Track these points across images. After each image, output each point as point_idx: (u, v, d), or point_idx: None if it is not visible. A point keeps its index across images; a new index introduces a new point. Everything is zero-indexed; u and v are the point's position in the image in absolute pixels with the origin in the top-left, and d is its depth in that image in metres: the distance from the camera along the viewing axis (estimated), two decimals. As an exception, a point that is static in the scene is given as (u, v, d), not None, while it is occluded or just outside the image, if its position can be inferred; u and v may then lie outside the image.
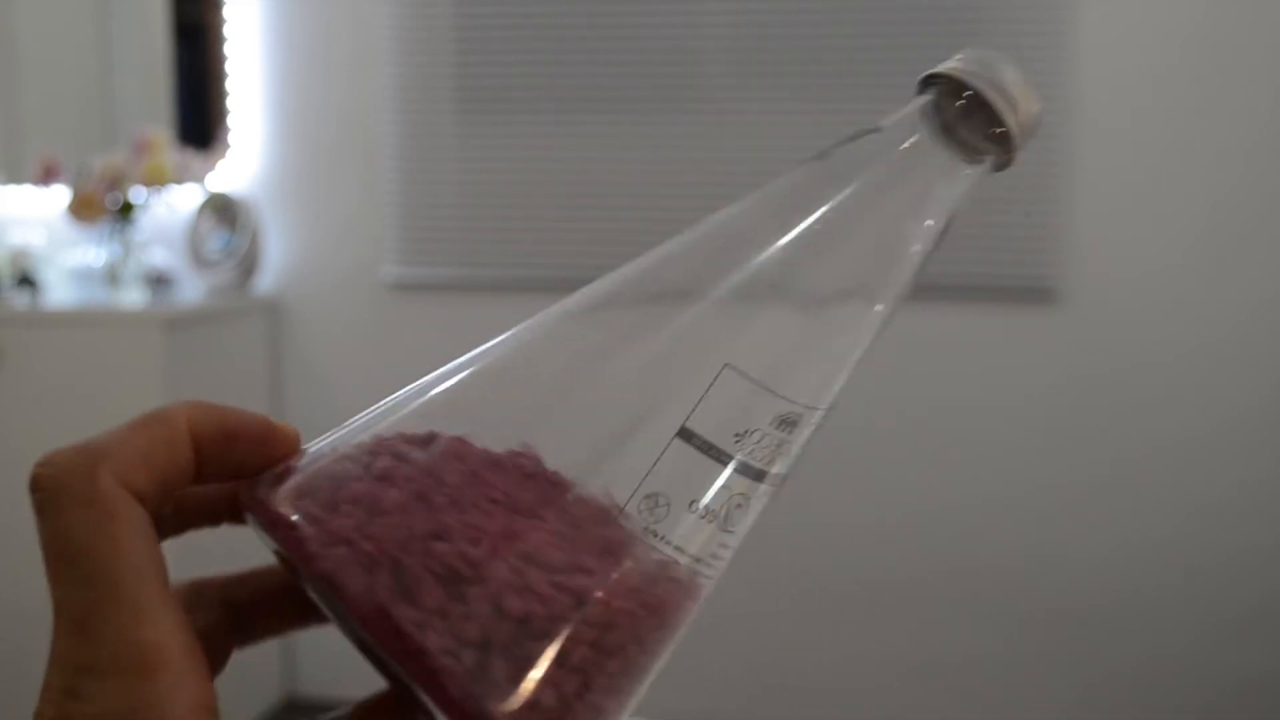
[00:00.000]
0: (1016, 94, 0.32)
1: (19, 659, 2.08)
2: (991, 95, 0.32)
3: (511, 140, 2.28)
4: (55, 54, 2.53)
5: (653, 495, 0.29)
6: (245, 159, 2.40)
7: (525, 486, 0.28)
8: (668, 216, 2.21)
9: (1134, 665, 2.14)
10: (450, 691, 0.25)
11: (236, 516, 0.31)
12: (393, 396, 0.32)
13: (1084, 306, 2.12)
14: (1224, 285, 2.08)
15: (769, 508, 0.32)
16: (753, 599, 2.26)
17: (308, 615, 0.32)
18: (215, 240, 2.35)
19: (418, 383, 0.32)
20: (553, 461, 0.28)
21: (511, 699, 0.25)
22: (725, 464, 0.31)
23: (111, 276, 2.30)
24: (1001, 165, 0.33)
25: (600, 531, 0.28)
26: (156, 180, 2.28)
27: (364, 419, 0.31)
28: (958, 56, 0.32)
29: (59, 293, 2.34)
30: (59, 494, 0.25)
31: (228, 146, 2.39)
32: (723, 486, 0.30)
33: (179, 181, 2.32)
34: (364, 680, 0.33)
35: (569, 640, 0.26)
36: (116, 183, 2.27)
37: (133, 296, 2.28)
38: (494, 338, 0.34)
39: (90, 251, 2.34)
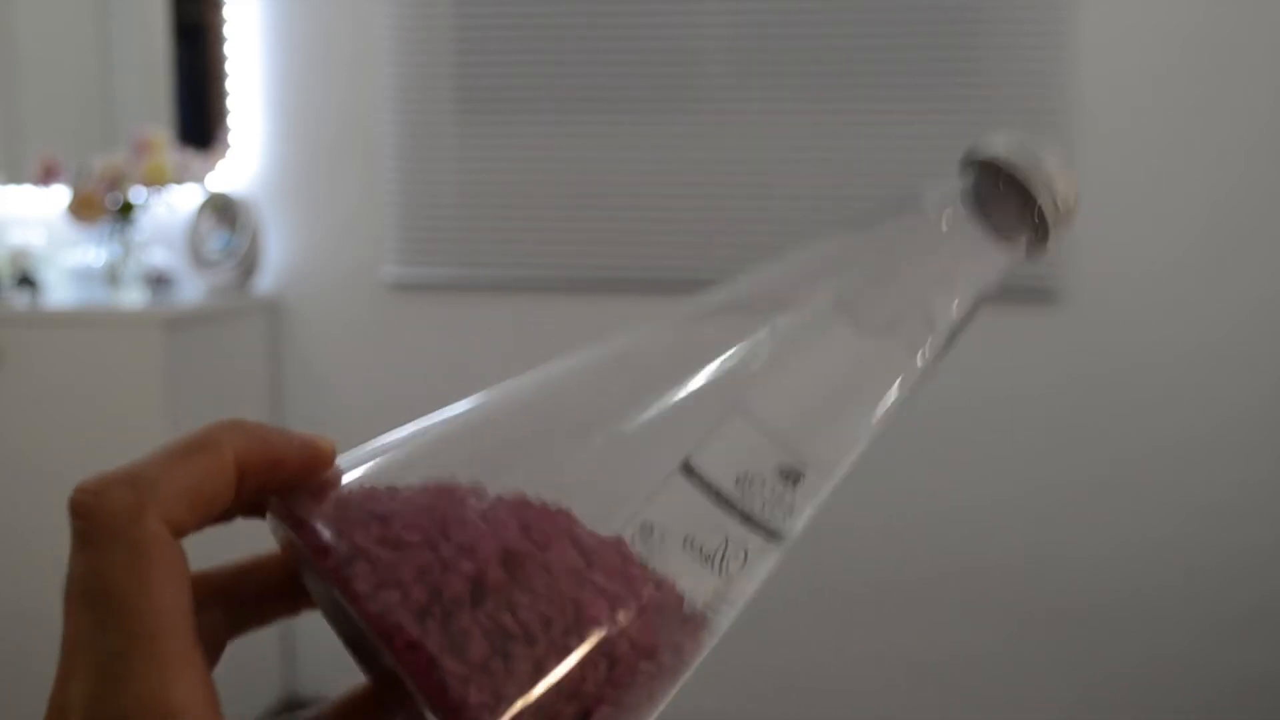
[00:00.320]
0: (1058, 182, 0.32)
1: (19, 659, 2.08)
2: (1033, 183, 0.32)
3: (511, 140, 2.28)
4: (55, 54, 2.54)
5: (648, 525, 0.29)
6: (245, 159, 2.40)
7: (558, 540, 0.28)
8: (668, 216, 2.21)
9: (1134, 665, 2.14)
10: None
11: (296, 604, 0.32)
12: (430, 420, 0.31)
13: (1084, 306, 2.12)
14: (1224, 285, 2.08)
15: (766, 567, 0.32)
16: (753, 599, 2.26)
17: (299, 604, 0.32)
18: (215, 240, 2.35)
19: (456, 408, 0.32)
20: (584, 509, 0.29)
21: None
22: (724, 508, 0.31)
23: (111, 276, 2.30)
24: (1036, 250, 0.33)
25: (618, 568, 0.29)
26: (156, 180, 2.28)
27: (398, 448, 0.31)
28: (1002, 140, 0.33)
29: (59, 293, 2.34)
30: (102, 530, 0.25)
31: (228, 146, 2.39)
32: (717, 529, 0.30)
33: (179, 181, 2.32)
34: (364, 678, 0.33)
35: (579, 671, 0.27)
36: (116, 183, 2.27)
37: (133, 296, 2.28)
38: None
39: (90, 251, 2.34)
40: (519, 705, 0.26)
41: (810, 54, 2.15)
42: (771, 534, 0.31)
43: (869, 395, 0.34)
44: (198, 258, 2.35)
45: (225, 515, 0.28)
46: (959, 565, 2.18)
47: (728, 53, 2.20)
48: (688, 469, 0.30)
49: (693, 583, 0.30)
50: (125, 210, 2.29)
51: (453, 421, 0.31)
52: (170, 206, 2.37)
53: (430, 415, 0.31)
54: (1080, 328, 2.12)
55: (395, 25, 2.30)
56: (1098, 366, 2.13)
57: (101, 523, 0.25)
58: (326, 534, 0.27)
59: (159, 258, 2.35)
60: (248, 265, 2.33)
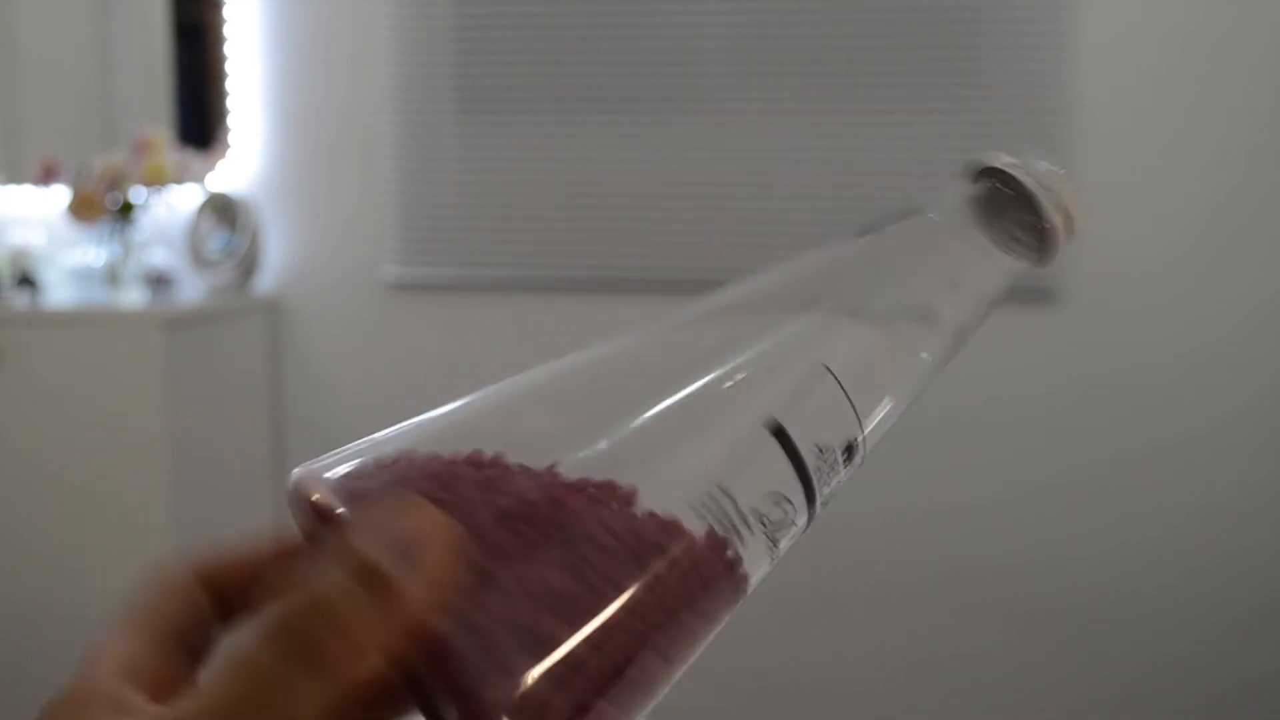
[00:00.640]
0: (1067, 201, 0.34)
1: (19, 659, 2.08)
2: (1043, 201, 0.34)
3: (511, 140, 2.28)
4: (55, 54, 2.53)
5: (725, 491, 0.28)
6: (245, 159, 2.40)
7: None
8: (668, 216, 2.21)
9: (1134, 665, 2.14)
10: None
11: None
12: (415, 421, 0.30)
13: (1084, 306, 2.12)
14: (1224, 285, 2.08)
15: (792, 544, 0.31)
16: (753, 599, 2.26)
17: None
18: (215, 240, 2.35)
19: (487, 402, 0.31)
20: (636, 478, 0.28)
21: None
22: (797, 470, 0.30)
23: (111, 276, 2.29)
24: (1041, 263, 0.34)
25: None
26: (156, 180, 2.28)
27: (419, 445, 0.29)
28: (1012, 156, 0.35)
29: (59, 293, 2.34)
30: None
31: (228, 146, 2.39)
32: (787, 496, 0.30)
33: (179, 181, 2.31)
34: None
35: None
36: (116, 183, 2.27)
37: (133, 296, 2.28)
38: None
39: (90, 251, 2.34)
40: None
41: (810, 54, 2.15)
42: (814, 511, 0.30)
43: (896, 389, 0.34)
44: (198, 258, 2.35)
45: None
46: (959, 565, 2.18)
47: (728, 53, 2.20)
48: (776, 430, 0.29)
49: (749, 553, 0.29)
50: (125, 210, 2.29)
51: (456, 412, 0.30)
52: (170, 206, 2.37)
53: (412, 420, 0.30)
54: (1080, 328, 2.12)
55: (395, 25, 2.30)
56: (1098, 366, 2.13)
57: None
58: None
59: (159, 258, 2.35)
60: (248, 265, 2.33)
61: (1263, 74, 2.04)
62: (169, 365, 2.03)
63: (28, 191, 2.46)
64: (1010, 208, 0.34)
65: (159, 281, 2.30)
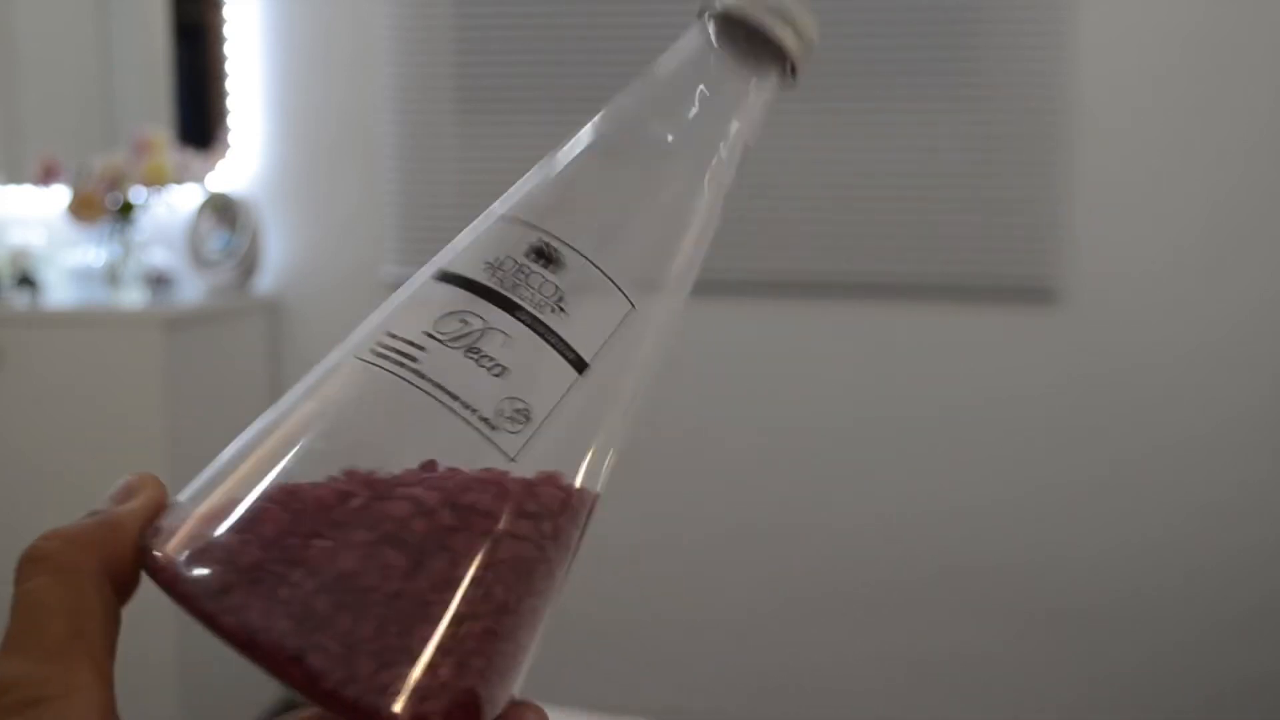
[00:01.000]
0: (794, 16, 0.35)
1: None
2: (770, 26, 0.34)
3: (511, 140, 2.28)
4: (55, 54, 2.54)
5: (392, 334, 0.30)
6: (245, 159, 2.40)
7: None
8: (668, 216, 2.21)
9: (1134, 665, 2.14)
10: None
11: None
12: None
13: (1084, 306, 2.12)
14: (1224, 285, 2.08)
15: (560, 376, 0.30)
16: (753, 599, 2.26)
17: None
18: (215, 240, 2.35)
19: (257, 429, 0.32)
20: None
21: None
22: (468, 289, 0.31)
23: (111, 276, 2.29)
24: (789, 82, 0.36)
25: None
26: (156, 180, 2.28)
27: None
28: None
29: (59, 293, 2.34)
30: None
31: (228, 146, 2.39)
32: (459, 309, 0.30)
33: (179, 181, 2.32)
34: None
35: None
36: (116, 183, 2.27)
37: (133, 296, 2.28)
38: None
39: (90, 251, 2.34)
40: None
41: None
42: (520, 310, 0.30)
43: (635, 193, 0.34)
44: (198, 258, 2.35)
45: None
46: (959, 565, 2.18)
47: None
48: (441, 274, 0.32)
49: (433, 362, 0.29)
50: (125, 210, 2.29)
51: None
52: (170, 206, 2.37)
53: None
54: (1080, 328, 2.12)
55: (395, 25, 2.30)
56: (1098, 366, 2.13)
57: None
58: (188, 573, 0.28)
59: (159, 258, 2.35)
60: (248, 265, 2.33)
61: (1263, 74, 2.04)
62: (169, 365, 2.03)
63: (28, 191, 2.46)
64: (744, 36, 0.35)
65: (159, 281, 2.30)
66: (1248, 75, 2.05)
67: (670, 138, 0.34)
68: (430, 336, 0.30)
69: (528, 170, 0.35)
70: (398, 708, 0.25)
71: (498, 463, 0.29)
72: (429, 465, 0.28)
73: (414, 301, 0.32)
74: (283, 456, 0.29)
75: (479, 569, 0.27)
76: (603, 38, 2.24)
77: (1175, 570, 2.12)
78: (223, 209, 2.35)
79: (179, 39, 2.43)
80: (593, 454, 0.31)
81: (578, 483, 0.30)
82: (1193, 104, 2.07)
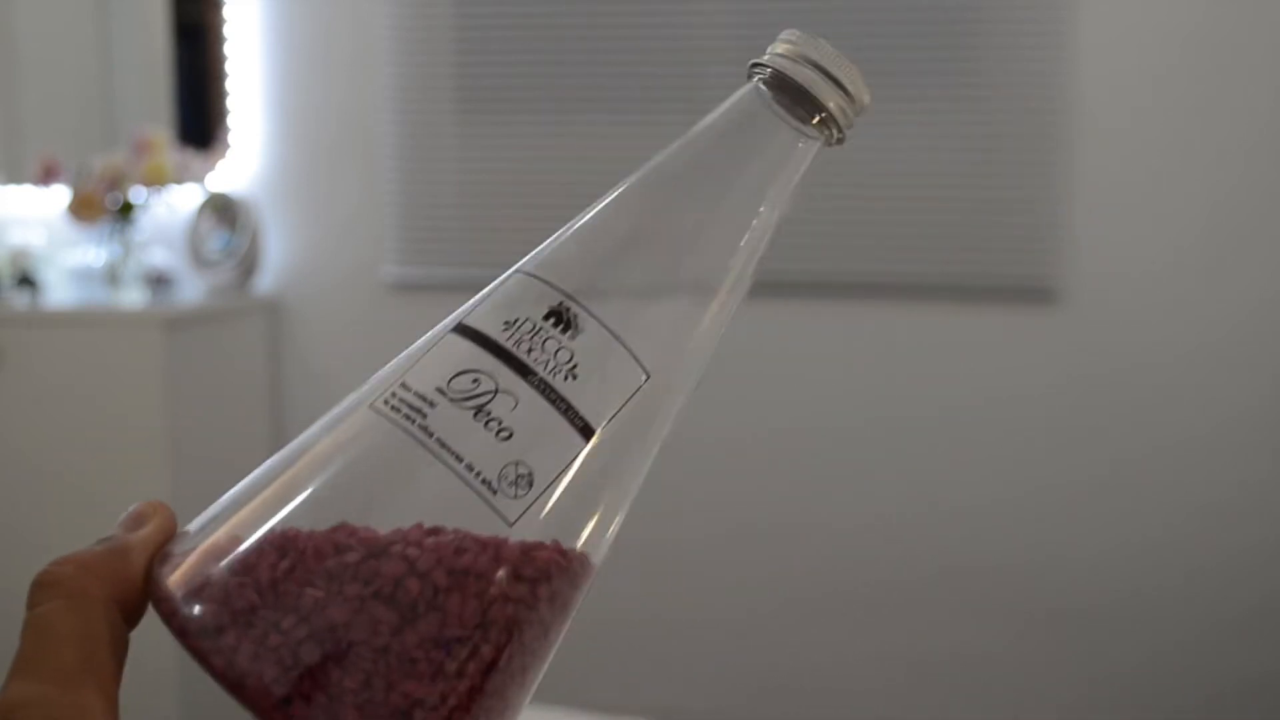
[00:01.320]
0: (837, 74, 0.34)
1: (19, 659, 2.08)
2: (822, 91, 0.34)
3: (511, 140, 2.28)
4: (55, 54, 2.53)
5: (405, 385, 0.30)
6: (245, 159, 2.40)
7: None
8: (668, 216, 2.21)
9: (1134, 665, 2.14)
10: None
11: None
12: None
13: (1084, 306, 2.12)
14: (1224, 285, 2.08)
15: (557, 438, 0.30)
16: (753, 599, 2.26)
17: None
18: (215, 240, 2.35)
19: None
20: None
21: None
22: (483, 347, 0.31)
23: (111, 276, 2.29)
24: (833, 141, 0.35)
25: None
26: (156, 180, 2.28)
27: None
28: (784, 50, 0.34)
29: (59, 293, 2.34)
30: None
31: (228, 146, 2.39)
32: (472, 368, 0.30)
33: (179, 181, 2.31)
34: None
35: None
36: (116, 183, 2.27)
37: (133, 296, 2.28)
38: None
39: (90, 251, 2.34)
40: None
41: (810, 54, 2.14)
42: (533, 375, 0.30)
43: (664, 260, 0.34)
44: (198, 258, 2.35)
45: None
46: (959, 565, 2.18)
47: (728, 53, 2.20)
48: (461, 328, 0.31)
49: (440, 419, 0.29)
50: (125, 210, 2.29)
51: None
52: (170, 206, 2.37)
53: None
54: (1080, 328, 2.12)
55: (395, 25, 2.30)
56: (1098, 366, 2.12)
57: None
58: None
59: (159, 258, 2.35)
60: (248, 265, 2.33)
61: (1263, 74, 2.04)
62: (169, 365, 2.03)
63: (28, 191, 2.46)
64: (796, 98, 0.34)
65: (159, 281, 2.30)
66: (1248, 75, 2.05)
67: (710, 198, 0.34)
68: (441, 393, 0.30)
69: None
70: None
71: (497, 527, 0.29)
72: (432, 530, 0.28)
73: (431, 353, 0.32)
74: (288, 499, 0.30)
75: (469, 629, 0.28)
76: (603, 38, 2.24)
77: (1175, 570, 2.12)
78: (223, 209, 2.35)
79: (179, 39, 2.43)
80: (595, 522, 0.31)
81: (578, 548, 0.30)
82: (1193, 104, 2.07)
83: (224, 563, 0.28)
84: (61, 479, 2.04)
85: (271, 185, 2.39)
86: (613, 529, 0.32)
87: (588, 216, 0.34)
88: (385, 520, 0.28)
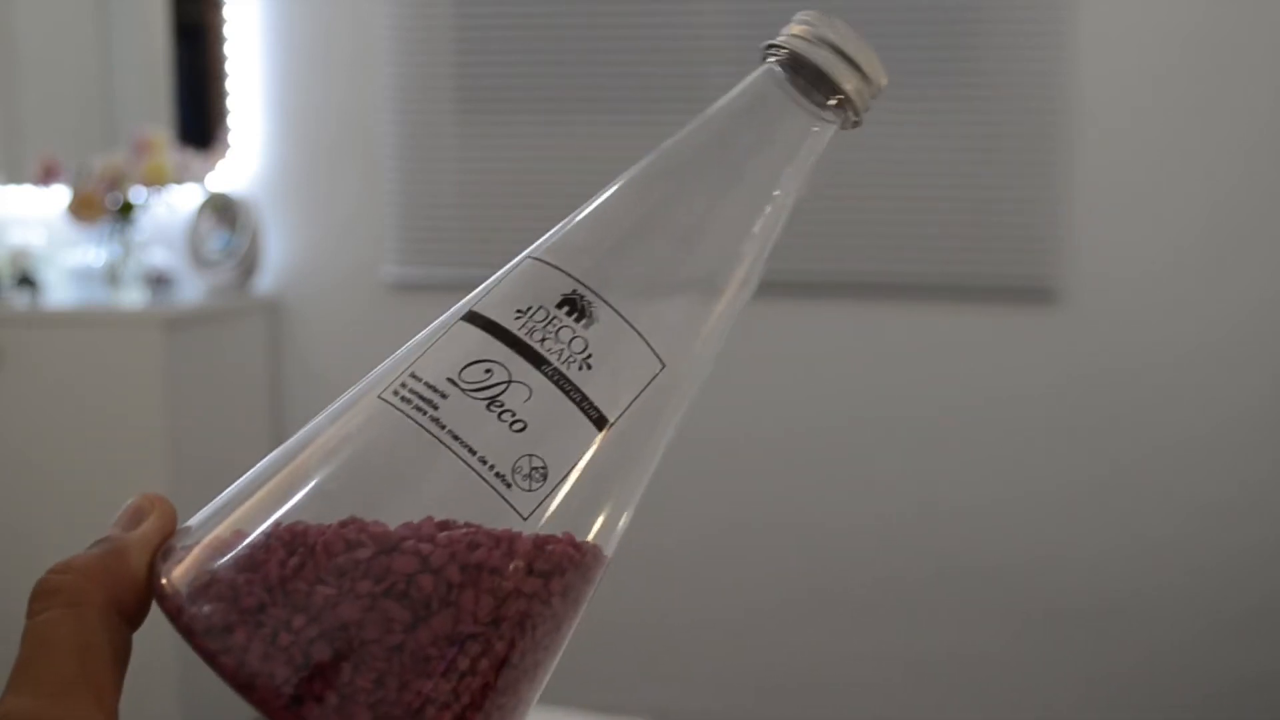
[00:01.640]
0: (854, 54, 0.34)
1: (19, 659, 2.08)
2: (829, 63, 0.33)
3: (511, 140, 2.28)
4: (55, 54, 2.54)
5: (415, 375, 0.30)
6: (245, 159, 2.40)
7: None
8: (668, 216, 2.21)
9: (1134, 665, 2.14)
10: None
11: None
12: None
13: (1084, 306, 2.12)
14: (1224, 285, 2.08)
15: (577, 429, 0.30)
16: (752, 599, 2.26)
17: None
18: (215, 240, 2.35)
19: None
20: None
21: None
22: (496, 336, 0.30)
23: (111, 276, 2.29)
24: (849, 123, 0.34)
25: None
26: (156, 180, 2.28)
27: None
28: (799, 31, 0.34)
29: (59, 293, 2.34)
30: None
31: (228, 146, 2.39)
32: (484, 358, 0.30)
33: (179, 181, 2.31)
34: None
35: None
36: (116, 183, 2.27)
37: (133, 296, 2.28)
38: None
39: (90, 251, 2.34)
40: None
41: (810, 54, 2.14)
42: (546, 365, 0.30)
43: (678, 245, 0.33)
44: (198, 258, 2.35)
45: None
46: (959, 565, 2.18)
47: (727, 52, 2.20)
48: (471, 316, 0.31)
49: (452, 410, 0.29)
50: (125, 210, 2.29)
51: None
52: (170, 206, 2.37)
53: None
54: (1080, 328, 2.12)
55: (395, 25, 2.30)
56: (1098, 366, 2.12)
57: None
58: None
59: (159, 258, 2.35)
60: (248, 265, 2.33)
61: (1263, 74, 2.04)
62: (169, 365, 2.03)
63: (28, 191, 2.46)
64: (811, 76, 0.33)
65: (159, 281, 2.30)
66: (1248, 75, 2.05)
67: (723, 182, 0.33)
68: (453, 383, 0.29)
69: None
70: None
71: (511, 520, 0.28)
72: (443, 524, 0.28)
73: (441, 341, 0.31)
74: (294, 493, 0.29)
75: (482, 625, 0.27)
76: (603, 38, 2.24)
77: (1175, 570, 2.12)
78: (223, 209, 2.35)
79: (179, 39, 2.43)
80: (608, 513, 0.31)
81: (591, 540, 0.30)
82: (1193, 104, 2.07)
83: (231, 559, 0.28)
84: (61, 479, 2.04)
85: (271, 185, 2.39)
86: (623, 521, 0.31)
87: (599, 202, 0.33)
88: (395, 514, 0.28)
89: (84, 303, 2.27)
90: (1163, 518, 2.12)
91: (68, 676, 0.26)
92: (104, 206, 2.28)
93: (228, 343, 2.29)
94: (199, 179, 2.35)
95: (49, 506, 2.03)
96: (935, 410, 2.18)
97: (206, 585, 0.27)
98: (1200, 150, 2.07)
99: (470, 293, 0.33)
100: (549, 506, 0.29)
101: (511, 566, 0.28)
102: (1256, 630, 2.10)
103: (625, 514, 0.31)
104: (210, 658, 0.27)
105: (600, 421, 0.30)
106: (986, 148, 2.12)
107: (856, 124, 0.34)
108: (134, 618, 0.29)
